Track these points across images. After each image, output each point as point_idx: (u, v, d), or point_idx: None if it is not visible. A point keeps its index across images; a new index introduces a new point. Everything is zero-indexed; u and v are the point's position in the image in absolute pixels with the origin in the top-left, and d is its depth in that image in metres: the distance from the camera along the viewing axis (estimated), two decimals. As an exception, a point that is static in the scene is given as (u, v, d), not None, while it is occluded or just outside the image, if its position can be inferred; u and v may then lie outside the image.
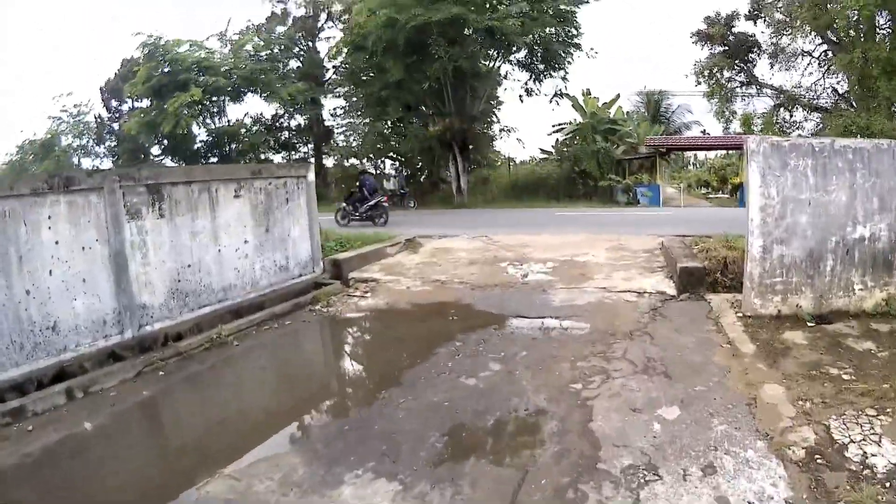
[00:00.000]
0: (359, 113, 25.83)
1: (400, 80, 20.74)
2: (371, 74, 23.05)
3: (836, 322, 5.48)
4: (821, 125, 22.43)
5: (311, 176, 7.75)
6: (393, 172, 26.87)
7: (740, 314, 5.89)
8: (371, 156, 26.60)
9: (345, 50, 23.63)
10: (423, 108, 23.87)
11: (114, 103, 27.29)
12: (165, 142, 23.72)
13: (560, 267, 8.28)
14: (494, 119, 25.81)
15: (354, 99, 25.50)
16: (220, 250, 6.20)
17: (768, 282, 5.71)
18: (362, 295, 7.42)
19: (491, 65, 23.13)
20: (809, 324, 5.47)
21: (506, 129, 25.91)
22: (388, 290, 7.49)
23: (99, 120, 27.01)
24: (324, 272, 7.79)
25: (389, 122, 24.85)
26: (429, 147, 23.65)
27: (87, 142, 26.61)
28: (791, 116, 23.60)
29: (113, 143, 26.98)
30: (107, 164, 26.86)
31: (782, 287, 5.71)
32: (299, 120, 27.72)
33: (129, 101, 25.74)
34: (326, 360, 5.89)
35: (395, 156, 26.75)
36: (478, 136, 24.46)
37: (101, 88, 27.45)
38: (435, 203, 23.24)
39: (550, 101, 24.11)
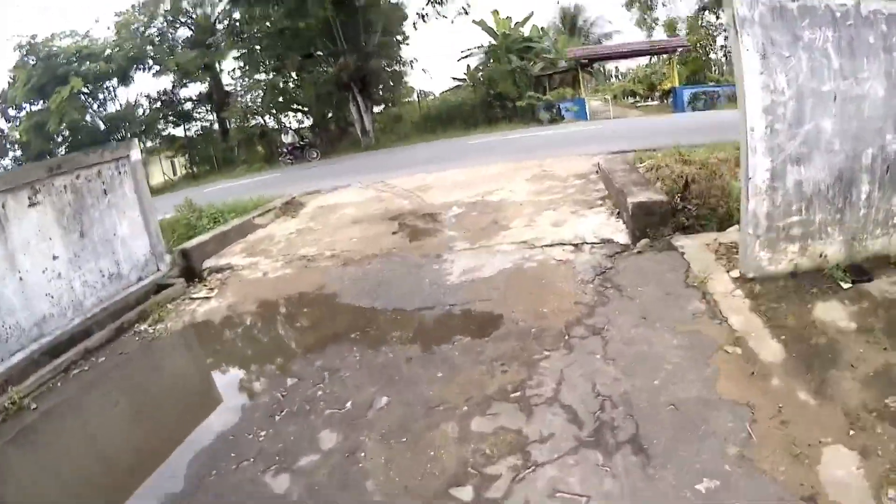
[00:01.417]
0: (253, 69, 23.56)
1: (284, 28, 18.83)
2: (266, 25, 20.77)
3: (876, 276, 3.67)
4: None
5: (136, 154, 6.28)
6: (296, 125, 25.30)
7: (736, 274, 3.89)
8: (273, 111, 24.51)
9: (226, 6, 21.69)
10: (320, 54, 21.68)
11: (11, 112, 25.00)
12: (60, 140, 22.75)
13: (466, 214, 6.73)
14: (399, 53, 23.76)
15: (251, 56, 23.18)
16: (21, 278, 4.90)
17: (781, 224, 3.85)
18: (206, 295, 5.74)
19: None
20: (844, 285, 3.51)
21: (407, 61, 24.09)
22: (241, 282, 5.98)
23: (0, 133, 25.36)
24: (173, 268, 6.40)
25: (293, 74, 22.88)
26: (328, 92, 21.81)
27: (-13, 159, 25.07)
28: (717, 19, 21.77)
29: (18, 153, 25.26)
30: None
31: (801, 230, 3.88)
32: (199, 89, 26.56)
33: (27, 107, 23.92)
34: (108, 439, 3.77)
35: (297, 107, 24.83)
36: (379, 72, 22.33)
37: (-4, 101, 25.53)
38: (345, 149, 21.44)
39: (452, 22, 22.20)
